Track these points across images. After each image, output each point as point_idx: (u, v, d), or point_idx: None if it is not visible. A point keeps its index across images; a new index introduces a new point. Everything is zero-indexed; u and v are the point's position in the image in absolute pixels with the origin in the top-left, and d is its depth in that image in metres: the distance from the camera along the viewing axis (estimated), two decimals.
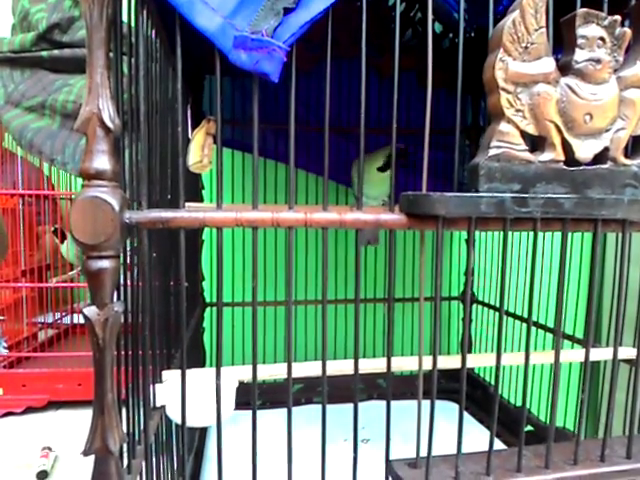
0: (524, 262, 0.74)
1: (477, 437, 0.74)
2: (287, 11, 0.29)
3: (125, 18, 0.36)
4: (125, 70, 0.36)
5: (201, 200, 0.84)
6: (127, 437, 0.34)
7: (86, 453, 0.30)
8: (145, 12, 0.38)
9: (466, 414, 0.86)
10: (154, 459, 0.39)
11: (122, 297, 0.35)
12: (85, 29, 0.29)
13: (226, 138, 0.85)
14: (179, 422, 0.36)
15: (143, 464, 0.36)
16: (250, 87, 0.31)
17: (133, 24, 0.36)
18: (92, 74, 0.29)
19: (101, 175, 0.28)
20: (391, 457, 0.37)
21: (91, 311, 0.29)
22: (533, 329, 0.75)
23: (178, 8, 0.29)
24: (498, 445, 0.73)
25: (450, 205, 0.31)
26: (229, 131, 0.86)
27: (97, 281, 0.29)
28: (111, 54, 0.30)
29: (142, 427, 0.37)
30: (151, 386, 0.39)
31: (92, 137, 0.28)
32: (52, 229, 0.99)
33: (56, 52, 0.79)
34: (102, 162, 0.28)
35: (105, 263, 0.28)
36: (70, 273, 0.99)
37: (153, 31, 0.42)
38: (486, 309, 0.92)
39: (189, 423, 0.37)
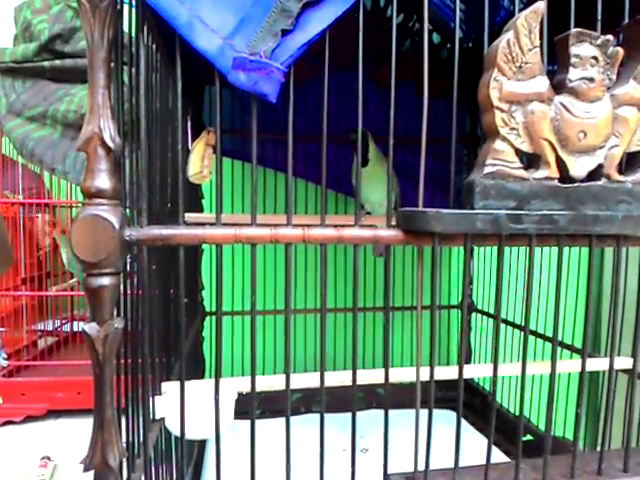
0: (523, 271, 0.74)
1: (476, 446, 0.74)
2: (285, 33, 0.29)
3: (126, 27, 0.37)
4: (126, 80, 0.37)
5: (201, 210, 0.84)
6: (126, 450, 0.34)
7: (86, 468, 0.30)
8: (146, 27, 0.38)
9: (465, 423, 0.86)
10: (153, 471, 0.39)
11: (122, 308, 0.35)
12: (87, 49, 0.30)
13: (226, 148, 0.86)
14: (178, 434, 0.36)
15: (142, 478, 0.36)
16: (249, 98, 0.31)
17: (134, 36, 0.36)
18: (93, 94, 0.29)
19: (102, 194, 0.29)
20: (390, 466, 0.37)
21: (91, 327, 0.29)
22: (532, 338, 0.75)
23: (178, 30, 0.29)
24: (497, 454, 0.73)
25: (446, 222, 0.31)
26: (229, 141, 0.86)
27: (97, 298, 0.29)
28: (112, 64, 0.31)
29: (141, 439, 0.37)
30: (150, 398, 0.39)
31: (93, 156, 0.29)
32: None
33: (58, 62, 0.79)
34: (103, 181, 0.29)
35: (105, 280, 0.29)
36: (70, 281, 0.99)
37: (154, 44, 0.43)
38: (485, 318, 0.92)
39: (188, 435, 0.37)
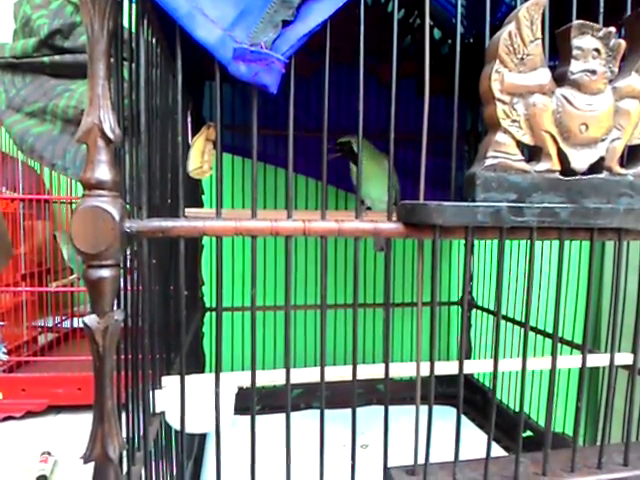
0: (523, 267, 0.74)
1: (476, 442, 0.74)
2: (286, 23, 0.29)
3: (126, 23, 0.37)
4: (126, 75, 0.37)
5: (201, 205, 0.84)
6: (127, 444, 0.34)
7: (86, 460, 0.30)
8: (146, 21, 0.38)
9: (466, 419, 0.86)
10: (153, 465, 0.39)
11: (122, 302, 0.35)
12: (86, 41, 0.29)
13: (226, 143, 0.86)
14: (178, 428, 0.36)
15: (142, 471, 0.37)
16: (250, 93, 0.31)
17: (134, 31, 0.36)
18: (93, 85, 0.29)
19: (102, 185, 0.29)
20: (390, 462, 0.37)
21: (91, 319, 0.29)
22: (533, 334, 0.75)
23: (178, 20, 0.29)
24: (497, 451, 0.73)
25: (447, 214, 0.31)
26: (229, 136, 0.86)
27: (97, 290, 0.29)
28: (112, 60, 0.31)
29: (142, 433, 0.37)
30: (151, 392, 0.39)
31: (93, 147, 0.29)
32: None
33: (57, 58, 0.79)
34: (103, 172, 0.29)
35: (105, 272, 0.29)
36: (70, 277, 0.99)
37: (154, 39, 0.43)
38: (486, 314, 0.92)
39: (188, 429, 0.37)
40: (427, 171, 0.35)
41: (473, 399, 0.91)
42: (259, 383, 0.38)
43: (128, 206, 0.35)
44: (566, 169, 0.33)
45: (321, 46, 0.32)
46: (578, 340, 0.71)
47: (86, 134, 0.29)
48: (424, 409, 0.35)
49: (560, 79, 0.33)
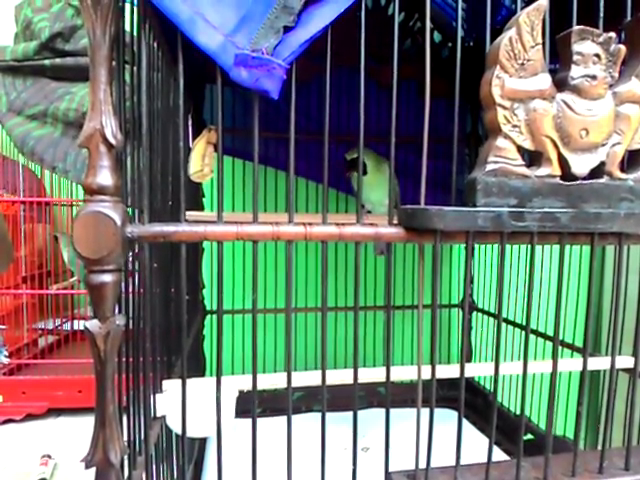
0: (524, 270, 0.74)
1: (477, 445, 0.74)
2: (287, 29, 0.29)
3: (127, 26, 0.37)
4: (127, 79, 0.37)
5: (202, 208, 0.84)
6: (128, 448, 0.34)
7: (87, 465, 0.30)
8: (147, 25, 0.38)
9: (466, 422, 0.86)
10: (154, 469, 0.39)
11: (123, 306, 0.35)
12: (88, 46, 0.30)
13: (227, 147, 0.86)
14: (179, 432, 0.36)
15: (143, 475, 0.36)
16: (251, 97, 0.31)
17: (136, 34, 0.36)
18: (95, 90, 0.29)
19: (103, 190, 0.29)
20: (391, 465, 0.37)
21: (93, 324, 0.29)
22: (533, 337, 0.75)
23: (179, 26, 0.29)
24: (498, 454, 0.73)
25: (448, 219, 0.31)
26: (230, 140, 0.86)
27: (99, 295, 0.29)
28: (113, 63, 0.31)
29: (143, 437, 0.37)
30: (152, 396, 0.39)
31: (95, 152, 0.29)
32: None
33: (58, 60, 0.79)
34: (104, 177, 0.29)
35: (107, 277, 0.29)
36: (71, 280, 0.99)
37: (155, 42, 0.43)
38: (486, 317, 0.92)
39: (189, 433, 0.37)
40: (428, 174, 0.35)
41: (474, 402, 0.91)
42: (260, 386, 0.38)
43: (129, 210, 0.35)
44: (567, 174, 0.33)
45: (322, 50, 0.32)
46: (579, 343, 0.71)
47: (88, 139, 0.29)
48: (425, 412, 0.35)
49: (560, 84, 0.33)
